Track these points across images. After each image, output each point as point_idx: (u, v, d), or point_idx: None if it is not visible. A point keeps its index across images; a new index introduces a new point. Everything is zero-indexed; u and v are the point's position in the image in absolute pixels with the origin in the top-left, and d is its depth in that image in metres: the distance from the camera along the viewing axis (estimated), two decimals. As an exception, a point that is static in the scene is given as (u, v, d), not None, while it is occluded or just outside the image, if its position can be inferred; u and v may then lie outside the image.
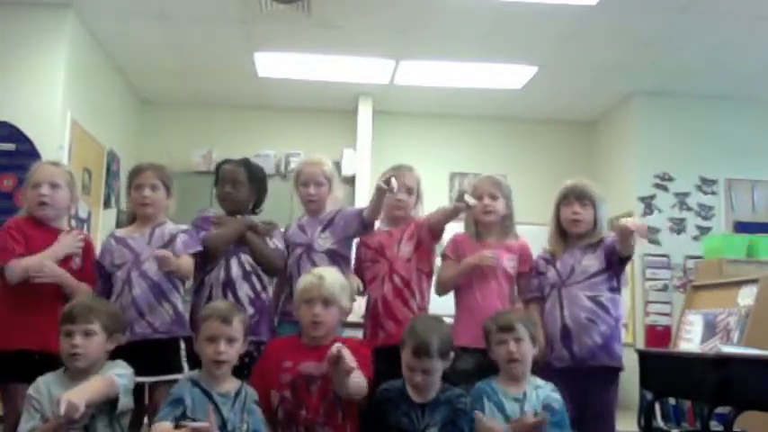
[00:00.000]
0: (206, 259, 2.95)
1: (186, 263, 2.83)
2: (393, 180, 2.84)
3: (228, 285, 2.91)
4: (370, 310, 3.04)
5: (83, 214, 5.16)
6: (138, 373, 2.53)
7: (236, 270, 2.93)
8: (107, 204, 5.83)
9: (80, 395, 2.18)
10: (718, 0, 4.64)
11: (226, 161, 3.16)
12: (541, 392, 2.56)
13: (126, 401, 2.37)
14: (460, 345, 2.79)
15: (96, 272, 2.87)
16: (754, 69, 5.71)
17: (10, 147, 4.65)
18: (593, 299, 2.84)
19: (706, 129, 6.29)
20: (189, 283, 3.02)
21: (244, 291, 2.92)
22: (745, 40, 5.18)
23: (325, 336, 2.55)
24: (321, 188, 3.11)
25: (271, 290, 3.05)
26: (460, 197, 2.88)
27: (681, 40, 5.22)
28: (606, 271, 2.88)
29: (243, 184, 3.06)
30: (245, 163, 3.14)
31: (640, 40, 5.24)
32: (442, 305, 3.09)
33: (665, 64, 5.69)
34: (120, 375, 2.36)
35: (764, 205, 6.32)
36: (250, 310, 2.88)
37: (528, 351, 2.57)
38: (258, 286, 2.96)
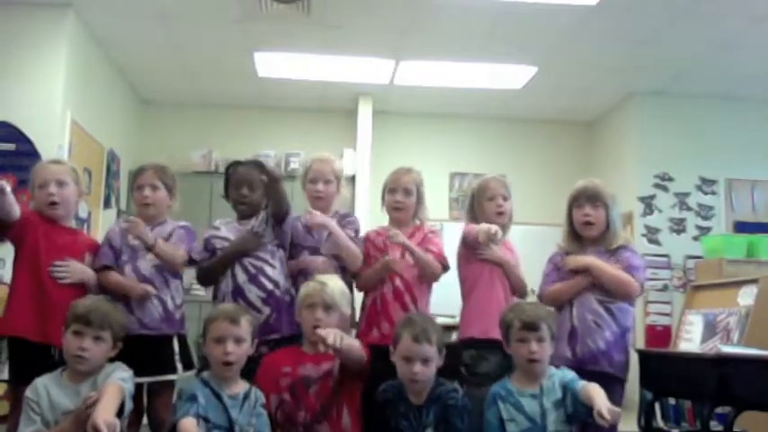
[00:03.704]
0: (208, 284, 3.01)
1: (170, 250, 2.85)
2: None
3: (237, 293, 2.89)
4: (368, 307, 3.03)
5: (83, 214, 5.15)
6: (134, 372, 2.53)
7: (241, 276, 2.91)
8: (107, 204, 5.83)
9: (109, 412, 2.16)
10: (718, 0, 4.64)
11: (237, 163, 3.12)
12: (556, 378, 2.52)
13: (130, 405, 2.37)
14: (491, 337, 2.80)
15: (108, 247, 2.89)
16: (754, 69, 5.71)
17: (10, 147, 4.65)
18: (603, 303, 2.83)
19: (706, 129, 6.29)
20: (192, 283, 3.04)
21: (254, 293, 2.89)
22: (744, 41, 5.19)
23: None
24: (329, 186, 3.10)
25: (283, 283, 2.97)
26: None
27: (681, 40, 5.23)
28: None
29: (258, 186, 3.04)
30: (259, 164, 3.11)
31: (640, 40, 5.24)
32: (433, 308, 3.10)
33: (665, 64, 5.69)
34: (124, 380, 2.35)
35: (764, 205, 6.33)
36: (266, 310, 2.86)
37: (548, 351, 2.53)
38: (269, 285, 2.92)
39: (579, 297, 2.86)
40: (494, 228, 2.77)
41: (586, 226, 2.91)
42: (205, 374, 2.49)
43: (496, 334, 2.76)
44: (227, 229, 3.04)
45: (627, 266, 2.87)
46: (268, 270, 2.95)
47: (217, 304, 2.92)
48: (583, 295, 2.86)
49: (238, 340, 2.42)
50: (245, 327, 2.45)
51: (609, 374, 2.80)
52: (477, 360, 2.81)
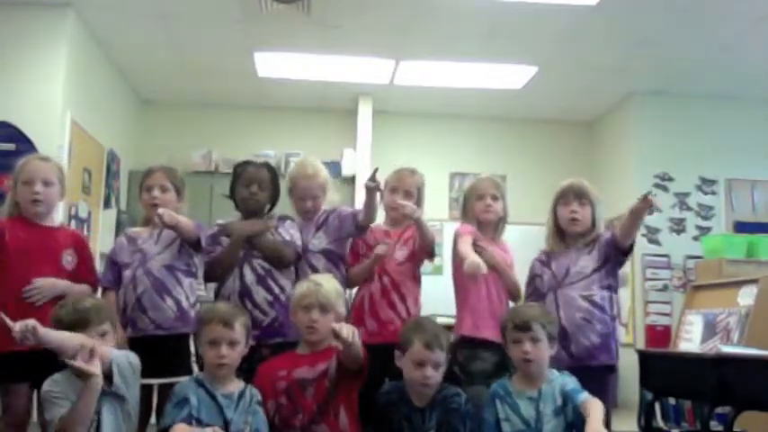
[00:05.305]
0: (219, 277, 2.94)
1: (188, 221, 2.84)
2: (377, 176, 2.87)
3: (245, 294, 2.85)
4: (356, 305, 3.04)
5: (83, 214, 5.15)
6: (147, 373, 2.52)
7: (249, 276, 2.88)
8: (107, 204, 5.82)
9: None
10: (719, 0, 4.64)
11: (248, 162, 3.10)
12: (556, 384, 2.51)
13: (121, 383, 2.29)
14: (482, 335, 2.83)
15: (109, 267, 2.90)
16: (754, 69, 5.71)
17: (10, 147, 4.64)
18: (588, 298, 2.83)
19: (706, 129, 6.29)
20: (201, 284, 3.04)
21: (261, 296, 2.86)
22: (745, 41, 5.18)
23: (321, 342, 2.57)
24: (317, 201, 3.10)
25: (289, 289, 2.93)
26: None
27: (681, 40, 5.22)
28: (601, 269, 2.86)
29: (267, 186, 3.03)
30: (267, 165, 3.12)
31: (640, 40, 5.24)
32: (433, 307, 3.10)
33: (665, 64, 5.69)
34: (117, 356, 2.30)
35: (764, 205, 6.32)
36: (272, 314, 2.84)
37: (544, 352, 2.52)
38: (276, 288, 2.89)
39: (563, 297, 2.85)
40: (483, 269, 2.68)
41: (572, 222, 2.93)
42: (199, 375, 2.49)
43: (488, 333, 2.79)
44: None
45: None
46: (276, 273, 2.92)
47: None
48: (566, 295, 2.85)
49: (232, 343, 2.42)
50: (239, 330, 2.44)
51: (607, 365, 2.80)
52: (470, 359, 2.80)
